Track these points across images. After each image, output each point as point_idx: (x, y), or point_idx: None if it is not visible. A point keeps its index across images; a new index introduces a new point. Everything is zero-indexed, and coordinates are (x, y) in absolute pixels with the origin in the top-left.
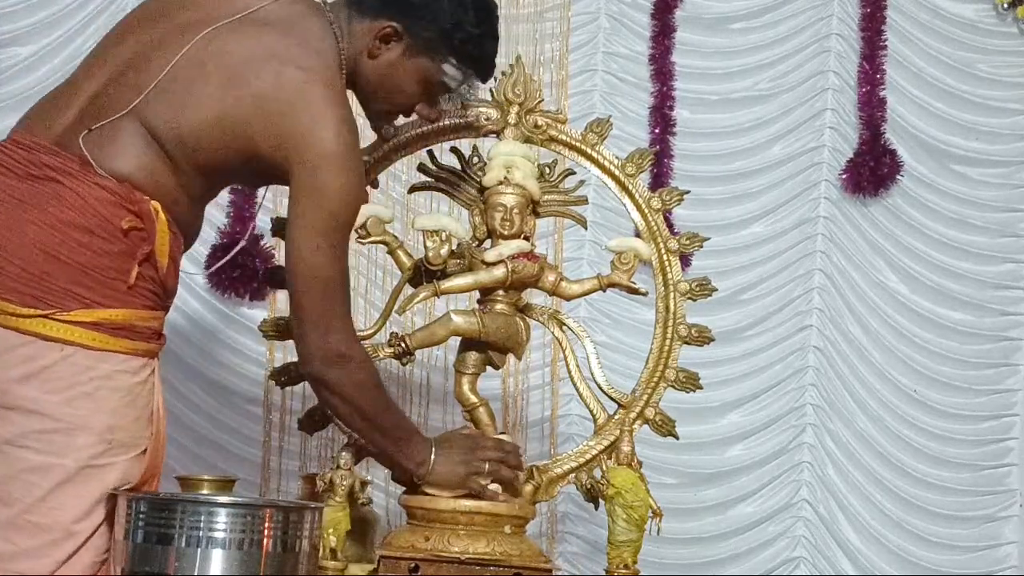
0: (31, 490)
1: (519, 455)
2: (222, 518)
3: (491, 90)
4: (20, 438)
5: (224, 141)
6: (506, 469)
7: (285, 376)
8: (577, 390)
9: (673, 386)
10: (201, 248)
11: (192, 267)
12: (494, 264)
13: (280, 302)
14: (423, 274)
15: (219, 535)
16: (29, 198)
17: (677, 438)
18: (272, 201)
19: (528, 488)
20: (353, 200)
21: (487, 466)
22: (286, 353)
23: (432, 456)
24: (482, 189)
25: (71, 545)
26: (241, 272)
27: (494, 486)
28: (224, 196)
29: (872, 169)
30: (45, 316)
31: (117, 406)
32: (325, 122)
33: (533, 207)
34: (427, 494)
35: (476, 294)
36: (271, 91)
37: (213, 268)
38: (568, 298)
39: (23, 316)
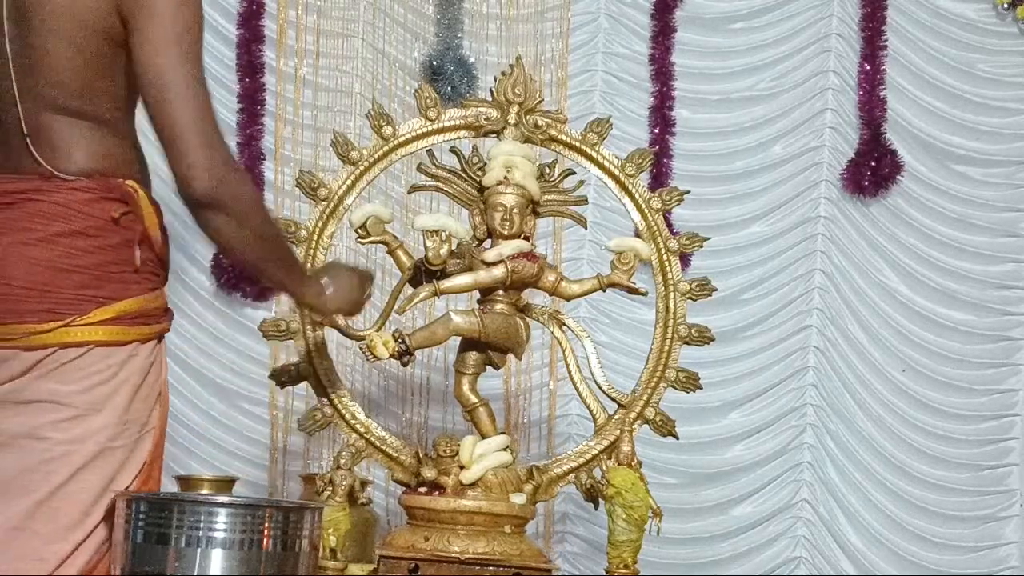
0: (52, 478)
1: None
2: (222, 518)
3: (491, 90)
4: (38, 430)
5: (88, 59)
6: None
7: (285, 376)
8: (577, 390)
9: (673, 386)
10: (201, 248)
11: (195, 271)
12: (494, 264)
13: (282, 303)
14: (423, 274)
15: (219, 535)
16: (12, 224)
17: (677, 438)
18: (272, 202)
19: (528, 488)
20: (194, 7)
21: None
22: (287, 354)
23: (327, 288)
24: (482, 189)
25: (85, 528)
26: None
27: None
28: None
29: (872, 169)
30: (66, 325)
31: (133, 388)
32: None
33: (533, 207)
34: (426, 494)
35: (476, 294)
36: None
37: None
38: (568, 298)
39: (45, 332)
